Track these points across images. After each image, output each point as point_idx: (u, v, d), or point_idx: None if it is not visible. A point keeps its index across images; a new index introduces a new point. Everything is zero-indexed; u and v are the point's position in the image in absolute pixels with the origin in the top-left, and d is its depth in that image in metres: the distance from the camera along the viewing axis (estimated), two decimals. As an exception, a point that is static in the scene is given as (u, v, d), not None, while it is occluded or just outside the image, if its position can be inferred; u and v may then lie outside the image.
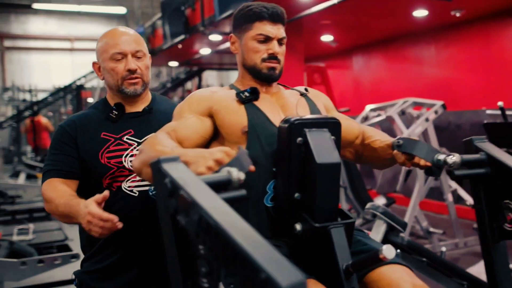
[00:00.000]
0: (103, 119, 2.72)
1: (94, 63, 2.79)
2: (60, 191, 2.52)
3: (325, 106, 2.69)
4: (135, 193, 2.65)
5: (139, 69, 2.70)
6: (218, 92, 2.50)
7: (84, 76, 18.91)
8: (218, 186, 1.53)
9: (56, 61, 25.64)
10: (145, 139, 2.57)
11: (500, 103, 5.31)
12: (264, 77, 2.49)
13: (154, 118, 2.78)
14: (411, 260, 4.20)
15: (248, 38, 2.48)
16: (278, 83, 2.64)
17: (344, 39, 11.92)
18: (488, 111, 7.35)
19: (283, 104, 2.49)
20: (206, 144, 2.42)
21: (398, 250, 3.98)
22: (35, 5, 24.70)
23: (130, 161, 2.61)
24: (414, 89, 10.63)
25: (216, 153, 1.78)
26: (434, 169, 2.34)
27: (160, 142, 2.12)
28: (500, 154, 2.24)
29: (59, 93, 19.73)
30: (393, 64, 11.93)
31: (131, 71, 2.67)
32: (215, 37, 11.22)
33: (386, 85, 11.86)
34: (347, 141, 2.67)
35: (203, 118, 2.40)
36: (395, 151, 2.43)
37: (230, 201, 1.44)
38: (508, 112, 5.87)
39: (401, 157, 2.41)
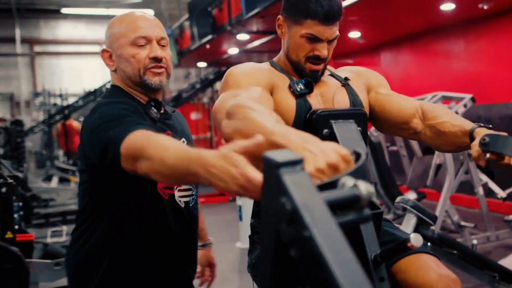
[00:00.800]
0: (144, 114, 2.28)
1: (104, 51, 2.37)
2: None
3: (368, 85, 2.54)
4: (182, 204, 2.39)
5: (165, 59, 2.33)
6: (274, 72, 2.35)
7: (114, 79, 19.06)
8: (342, 206, 1.17)
9: (86, 65, 25.84)
10: (182, 142, 2.37)
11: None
12: (306, 75, 2.34)
13: (177, 121, 2.52)
14: (442, 253, 4.19)
15: (296, 33, 2.29)
16: None
17: (372, 35, 11.87)
18: (518, 103, 7.30)
19: (325, 99, 2.37)
20: None
21: (429, 243, 3.98)
22: (64, 10, 24.93)
23: None
24: (443, 83, 10.55)
25: (331, 153, 1.34)
26: None
27: (255, 108, 1.70)
28: None
29: (90, 96, 19.88)
30: (421, 59, 11.86)
31: (157, 59, 2.29)
32: (242, 36, 11.24)
33: (415, 80, 11.79)
34: (400, 121, 2.46)
35: (266, 92, 2.21)
36: (476, 148, 2.16)
37: (348, 224, 1.17)
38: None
39: (482, 160, 2.17)
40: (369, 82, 2.54)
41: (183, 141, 2.42)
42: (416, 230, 3.95)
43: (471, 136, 2.22)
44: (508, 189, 6.78)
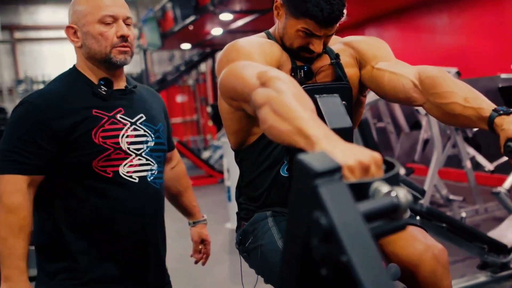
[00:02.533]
0: (89, 94, 2.33)
1: (69, 27, 2.38)
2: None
3: (360, 59, 2.40)
4: (135, 179, 2.35)
5: (130, 38, 2.36)
6: (279, 48, 2.26)
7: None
8: (378, 215, 1.09)
9: (68, 50, 25.49)
10: (138, 118, 2.41)
11: (514, 66, 5.27)
12: (298, 59, 2.27)
13: (139, 98, 2.50)
14: (431, 226, 4.21)
15: (292, 26, 2.19)
16: None
17: (356, 11, 11.84)
18: (503, 75, 7.28)
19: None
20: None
21: (418, 217, 3.98)
22: (43, -5, 24.75)
23: (127, 142, 2.32)
24: (428, 58, 10.56)
25: (362, 154, 1.25)
26: None
27: (292, 90, 1.58)
28: None
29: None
30: (406, 34, 11.86)
31: (124, 38, 2.32)
32: (226, 16, 11.21)
33: (400, 55, 11.60)
34: (398, 96, 2.31)
35: None
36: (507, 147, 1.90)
37: (383, 234, 1.12)
38: (523, 75, 5.83)
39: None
40: (362, 54, 2.40)
41: (141, 117, 2.42)
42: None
43: (490, 126, 1.96)
44: (496, 162, 6.80)
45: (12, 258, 2.13)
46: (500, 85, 6.14)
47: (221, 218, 8.01)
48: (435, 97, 2.15)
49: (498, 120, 1.93)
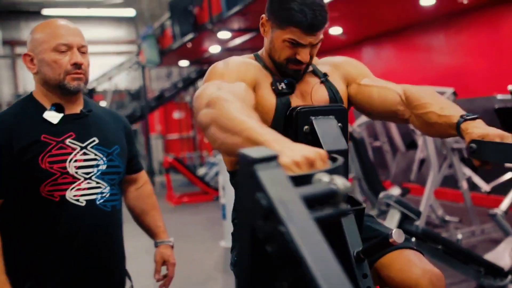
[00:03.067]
0: (40, 120, 2.40)
1: (26, 55, 2.45)
2: None
3: (347, 77, 2.48)
4: (82, 202, 2.40)
5: (84, 65, 2.44)
6: (258, 67, 2.32)
7: (96, 80, 18.99)
8: (318, 200, 1.17)
9: (68, 65, 25.77)
10: (89, 142, 2.47)
11: (510, 87, 5.27)
12: (287, 75, 2.31)
13: (93, 121, 2.55)
14: (427, 248, 4.19)
15: (279, 37, 2.25)
16: None
17: (353, 31, 11.90)
18: (499, 96, 7.31)
19: (303, 96, 2.35)
20: None
21: (413, 238, 3.97)
22: (44, 11, 24.78)
23: (75, 166, 2.38)
24: (425, 77, 10.59)
25: (308, 150, 1.38)
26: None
27: (234, 105, 1.72)
28: None
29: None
30: (403, 54, 11.90)
31: (77, 65, 2.40)
32: (224, 35, 11.26)
33: (397, 75, 11.83)
34: (385, 111, 2.38)
35: (249, 89, 2.18)
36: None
37: (325, 219, 1.16)
38: (519, 96, 5.83)
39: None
40: (347, 73, 2.49)
41: (93, 140, 2.48)
42: (400, 225, 3.95)
43: (458, 131, 2.10)
44: (492, 183, 6.80)
45: None
46: (496, 106, 6.15)
47: (215, 235, 7.97)
48: (416, 109, 2.26)
49: (464, 125, 2.05)
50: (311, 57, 2.30)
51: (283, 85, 2.28)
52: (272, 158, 1.14)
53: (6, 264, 2.31)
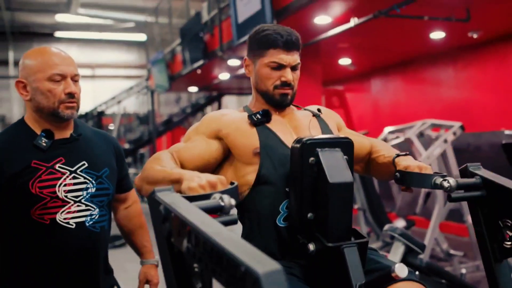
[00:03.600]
0: (30, 146, 2.48)
1: (19, 81, 2.52)
2: None
3: (337, 125, 2.68)
4: (72, 225, 2.48)
5: (77, 94, 2.54)
6: (229, 114, 2.48)
7: (105, 103, 19.07)
8: (209, 212, 1.59)
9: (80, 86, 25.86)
10: (79, 166, 2.54)
11: (517, 123, 5.30)
12: (276, 103, 2.47)
13: (83, 145, 2.63)
14: (430, 282, 4.18)
15: (261, 64, 2.44)
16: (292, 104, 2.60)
17: (362, 62, 11.95)
18: (507, 132, 7.32)
19: (295, 126, 2.47)
20: (217, 166, 2.44)
21: (417, 272, 3.97)
22: (57, 33, 25.02)
23: (64, 190, 2.46)
24: (432, 110, 10.61)
25: (212, 177, 1.85)
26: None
27: (160, 162, 2.18)
28: (493, 176, 2.29)
29: (81, 119, 19.86)
30: (411, 86, 11.93)
31: (71, 95, 2.49)
32: (233, 62, 11.30)
33: (405, 107, 11.85)
34: (359, 158, 2.64)
35: (210, 140, 2.38)
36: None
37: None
38: (526, 133, 5.86)
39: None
40: (338, 122, 2.72)
41: (83, 164, 2.56)
42: (404, 258, 3.94)
43: (394, 165, 2.46)
44: (497, 218, 6.77)
45: None
46: (503, 141, 6.16)
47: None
48: (372, 153, 2.66)
49: (397, 160, 2.45)
50: (295, 82, 2.48)
51: (258, 115, 2.42)
52: (169, 189, 1.59)
53: (2, 282, 2.50)
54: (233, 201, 1.65)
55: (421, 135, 7.33)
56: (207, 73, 13.47)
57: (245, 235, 2.38)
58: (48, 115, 2.51)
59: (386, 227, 4.06)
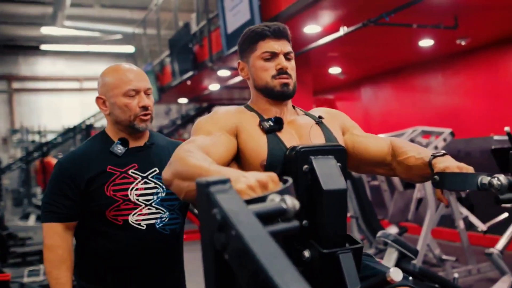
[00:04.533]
0: (108, 153, 2.72)
1: (98, 98, 2.77)
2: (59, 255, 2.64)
3: (343, 127, 2.62)
4: (143, 226, 2.67)
5: (150, 106, 2.74)
6: (242, 113, 2.44)
7: (94, 116, 19.03)
8: (269, 217, 1.30)
9: (65, 101, 25.77)
10: (150, 172, 2.73)
11: (507, 128, 5.33)
12: (277, 95, 2.42)
13: (155, 153, 2.83)
14: (424, 287, 4.20)
15: (254, 59, 2.43)
16: (293, 106, 2.58)
17: (352, 70, 11.99)
18: (496, 137, 7.36)
19: (301, 134, 2.42)
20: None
21: (410, 277, 3.98)
22: (43, 46, 24.91)
23: (136, 194, 2.66)
24: (422, 117, 10.66)
25: (261, 175, 1.56)
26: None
27: (194, 155, 1.96)
28: None
29: (69, 133, 19.82)
30: (401, 94, 11.99)
31: (145, 108, 2.70)
32: (223, 73, 11.31)
33: (395, 115, 11.89)
34: (374, 160, 2.57)
35: (230, 136, 2.33)
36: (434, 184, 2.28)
37: (279, 235, 1.26)
38: (515, 137, 5.89)
39: (439, 193, 2.34)
40: (343, 123, 2.64)
41: (154, 170, 2.75)
42: (397, 264, 3.96)
43: (430, 168, 2.32)
44: (489, 222, 6.81)
45: (58, 286, 2.60)
46: (493, 147, 6.20)
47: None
48: (398, 155, 2.49)
49: (433, 161, 2.30)
50: (292, 72, 2.45)
51: (270, 122, 2.36)
52: (225, 181, 1.26)
53: (82, 275, 2.76)
54: (297, 204, 1.31)
55: (411, 142, 7.35)
56: (197, 84, 13.48)
57: None
58: (126, 127, 2.73)
59: (379, 233, 4.07)
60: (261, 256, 1.08)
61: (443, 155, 2.33)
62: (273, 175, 1.55)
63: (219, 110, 2.47)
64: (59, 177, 2.69)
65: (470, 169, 2.19)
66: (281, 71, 2.40)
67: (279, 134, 2.35)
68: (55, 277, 2.61)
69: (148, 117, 2.75)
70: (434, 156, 2.32)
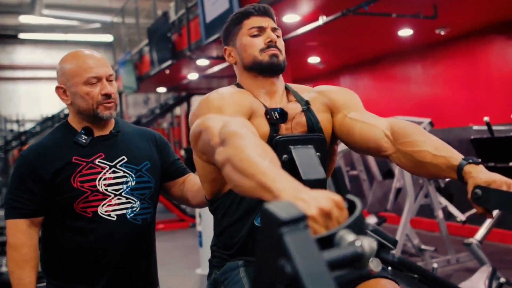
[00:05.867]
0: (71, 143, 2.63)
1: (58, 87, 2.66)
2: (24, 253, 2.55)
3: (332, 107, 2.41)
4: (113, 217, 2.61)
5: (114, 94, 2.64)
6: (250, 97, 2.29)
7: (72, 105, 18.91)
8: (342, 264, 1.11)
9: (44, 90, 25.59)
10: (118, 161, 2.66)
11: (486, 118, 5.35)
12: (267, 67, 2.31)
13: (122, 141, 2.75)
14: (403, 277, 4.19)
15: (241, 37, 2.34)
16: (286, 87, 2.46)
17: (331, 60, 11.98)
18: (475, 127, 7.39)
19: (294, 124, 2.32)
20: None
21: (389, 267, 3.97)
22: (21, 35, 24.73)
23: (104, 184, 2.58)
24: (402, 107, 10.68)
25: (323, 199, 1.29)
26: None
27: (249, 143, 1.65)
28: None
29: (47, 122, 19.70)
30: (380, 84, 12.00)
31: (108, 96, 2.60)
32: (202, 62, 11.28)
33: (374, 104, 11.89)
34: (366, 146, 2.31)
35: (248, 122, 2.11)
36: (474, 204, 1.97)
37: (347, 282, 1.13)
38: (494, 128, 5.91)
39: (480, 210, 1.99)
40: (332, 102, 2.42)
41: (122, 159, 2.68)
42: (376, 254, 3.95)
43: (459, 174, 2.01)
44: (468, 212, 6.83)
45: (21, 287, 2.50)
46: (472, 137, 6.22)
47: (192, 263, 7.90)
48: (406, 146, 2.18)
49: (467, 168, 1.96)
50: (281, 48, 2.36)
51: (276, 114, 2.26)
52: (300, 219, 1.07)
53: (51, 272, 2.68)
54: (375, 246, 1.12)
55: (390, 132, 7.36)
56: (176, 73, 13.43)
57: (221, 230, 2.34)
58: (89, 117, 2.64)
59: (358, 223, 4.05)
60: None
61: (478, 163, 1.99)
62: (336, 199, 1.30)
63: (227, 90, 2.29)
64: (22, 171, 2.61)
65: None
66: (270, 44, 2.31)
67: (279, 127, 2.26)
68: (17, 277, 2.53)
69: (112, 104, 2.64)
70: (468, 162, 1.99)
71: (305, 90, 2.51)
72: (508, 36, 9.04)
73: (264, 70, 2.32)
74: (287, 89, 2.47)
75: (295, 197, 1.32)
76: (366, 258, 1.11)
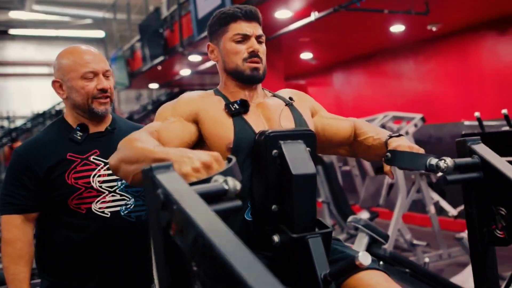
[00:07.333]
0: (66, 140, 2.65)
1: (55, 81, 2.69)
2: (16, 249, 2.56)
3: (312, 109, 2.63)
4: (107, 214, 2.62)
5: (110, 89, 2.66)
6: (206, 98, 2.42)
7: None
8: (212, 197, 1.44)
9: (35, 86, 25.42)
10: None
11: (477, 114, 5.35)
12: (247, 79, 2.41)
13: (117, 138, 2.58)
14: (394, 271, 4.21)
15: (225, 41, 2.41)
16: (263, 88, 2.56)
17: (324, 56, 11.99)
18: (467, 122, 7.41)
19: (268, 117, 2.40)
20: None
21: (381, 262, 3.99)
22: (12, 31, 24.58)
23: (98, 181, 2.60)
24: (394, 103, 10.70)
25: (204, 156, 1.65)
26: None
27: (140, 139, 1.97)
28: (493, 158, 2.15)
29: (38, 119, 19.65)
30: (372, 79, 12.02)
31: (104, 90, 2.62)
32: (194, 58, 11.26)
33: (367, 100, 11.93)
34: (339, 141, 2.64)
35: (187, 123, 2.30)
36: (385, 164, 2.42)
37: (224, 213, 1.41)
38: (486, 123, 5.92)
39: (387, 168, 2.45)
40: (312, 105, 2.65)
41: None
42: (368, 249, 3.96)
43: (386, 147, 2.42)
44: (459, 207, 6.86)
45: (15, 282, 2.52)
46: (463, 132, 6.24)
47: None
48: (359, 136, 2.61)
49: (390, 140, 2.42)
50: (263, 55, 2.44)
51: (235, 105, 2.35)
52: (168, 166, 1.41)
53: (45, 268, 2.68)
54: (238, 185, 1.48)
55: (383, 127, 7.38)
56: (168, 70, 13.42)
57: None
58: (84, 112, 2.67)
59: (350, 218, 4.07)
60: (200, 222, 1.21)
61: (399, 135, 2.44)
62: (216, 155, 1.67)
63: (182, 97, 2.45)
64: (17, 166, 2.62)
65: (420, 150, 2.30)
66: (253, 54, 2.38)
67: (246, 117, 2.34)
68: (12, 273, 2.54)
69: (107, 100, 2.67)
70: (390, 136, 2.44)
71: (283, 93, 2.62)
72: (500, 32, 9.08)
73: (244, 80, 2.43)
74: (263, 90, 2.59)
75: (181, 155, 1.68)
76: (230, 192, 1.47)
